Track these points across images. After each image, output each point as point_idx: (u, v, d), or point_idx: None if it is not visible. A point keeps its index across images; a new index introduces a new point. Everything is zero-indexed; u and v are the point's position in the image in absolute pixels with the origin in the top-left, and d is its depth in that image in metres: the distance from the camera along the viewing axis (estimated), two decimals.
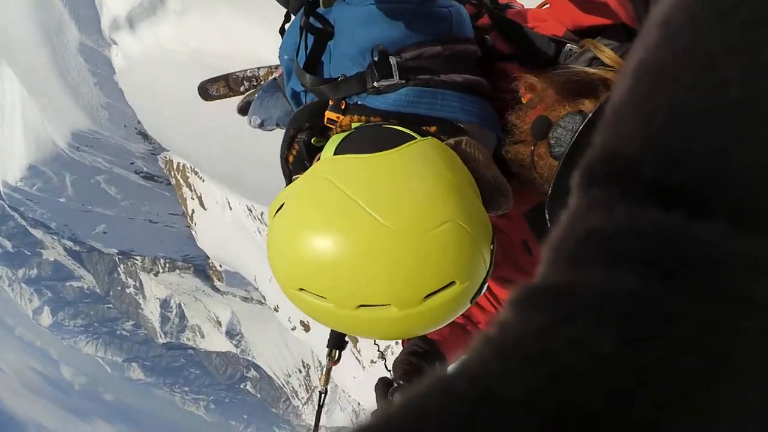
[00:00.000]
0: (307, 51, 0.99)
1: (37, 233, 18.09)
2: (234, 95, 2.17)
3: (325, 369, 1.12)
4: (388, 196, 0.78)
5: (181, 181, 11.04)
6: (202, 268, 16.62)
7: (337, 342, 1.11)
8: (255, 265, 10.41)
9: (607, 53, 0.91)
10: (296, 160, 1.01)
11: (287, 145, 1.01)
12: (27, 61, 10.18)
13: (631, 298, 0.21)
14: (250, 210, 9.44)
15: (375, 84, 0.89)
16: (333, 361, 1.12)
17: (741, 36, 0.23)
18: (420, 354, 1.16)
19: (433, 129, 0.89)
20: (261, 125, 1.61)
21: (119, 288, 20.63)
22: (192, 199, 10.97)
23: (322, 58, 0.99)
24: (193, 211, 11.19)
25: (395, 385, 1.05)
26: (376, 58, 0.90)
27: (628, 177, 0.24)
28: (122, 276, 20.11)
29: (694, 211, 0.22)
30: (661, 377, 0.19)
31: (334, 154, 0.86)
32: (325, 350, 1.13)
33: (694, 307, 0.21)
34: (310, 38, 0.99)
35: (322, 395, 1.13)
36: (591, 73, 0.90)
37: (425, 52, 0.92)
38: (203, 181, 10.27)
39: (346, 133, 0.90)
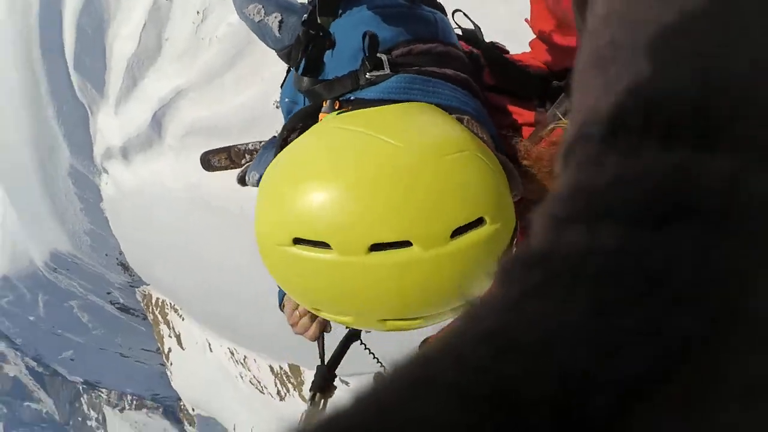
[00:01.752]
0: (306, 58, 0.98)
1: (0, 345, 16.94)
2: (234, 167, 2.19)
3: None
4: (401, 125, 0.72)
5: (159, 318, 10.44)
6: (172, 410, 15.51)
7: (322, 383, 0.93)
8: (234, 412, 9.36)
9: None
10: None
11: (279, 147, 0.94)
12: (15, 173, 9.98)
13: (613, 257, 0.16)
14: (232, 353, 8.75)
15: (367, 75, 0.88)
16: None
17: None
18: None
19: None
20: (258, 181, 1.58)
21: (80, 419, 19.07)
22: (170, 337, 10.29)
23: (322, 64, 0.98)
24: (169, 350, 10.48)
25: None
26: (367, 52, 0.88)
27: (630, 125, 0.19)
28: (84, 407, 18.69)
29: (699, 144, 0.17)
30: (637, 350, 0.14)
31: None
32: None
33: (692, 254, 0.15)
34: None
35: None
36: None
37: (414, 49, 0.92)
38: (183, 319, 9.66)
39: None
